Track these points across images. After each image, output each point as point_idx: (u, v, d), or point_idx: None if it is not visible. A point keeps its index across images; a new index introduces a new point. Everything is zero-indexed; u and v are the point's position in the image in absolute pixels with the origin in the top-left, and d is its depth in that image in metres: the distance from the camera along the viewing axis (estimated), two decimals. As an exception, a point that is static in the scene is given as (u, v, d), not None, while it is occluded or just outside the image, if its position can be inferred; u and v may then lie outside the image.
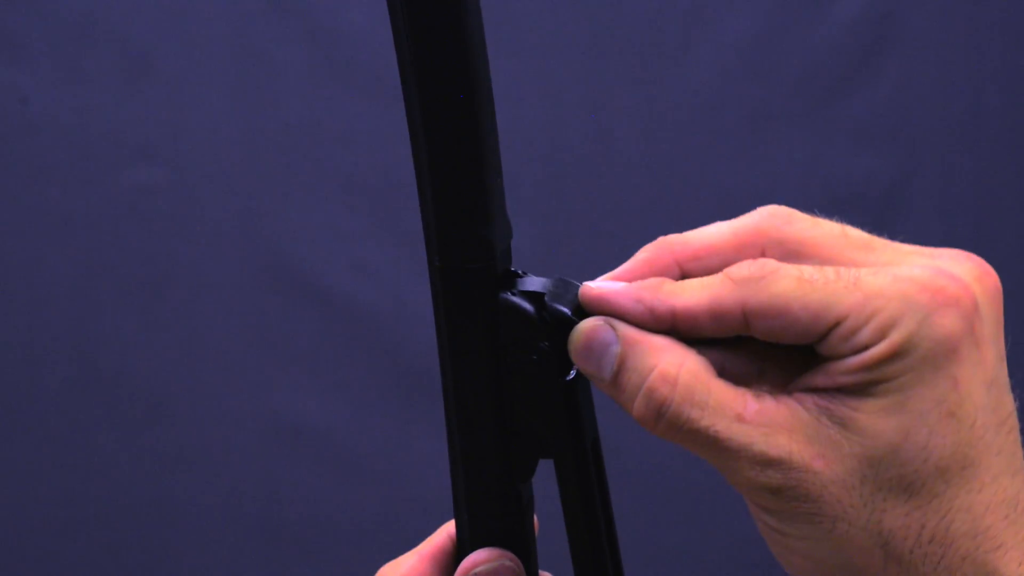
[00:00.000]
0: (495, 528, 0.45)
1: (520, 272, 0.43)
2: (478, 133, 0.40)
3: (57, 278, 1.38)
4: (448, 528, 0.48)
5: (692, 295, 0.40)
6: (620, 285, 0.41)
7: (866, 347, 0.38)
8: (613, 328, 0.40)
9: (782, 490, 0.39)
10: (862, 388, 0.38)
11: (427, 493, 1.34)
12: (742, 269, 0.39)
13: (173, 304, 1.39)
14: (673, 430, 0.40)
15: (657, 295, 0.40)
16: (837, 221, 0.41)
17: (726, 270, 0.39)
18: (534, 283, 0.42)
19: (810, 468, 0.39)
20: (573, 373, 0.43)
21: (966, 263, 0.40)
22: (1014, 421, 0.40)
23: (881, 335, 0.38)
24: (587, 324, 0.41)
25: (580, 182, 1.41)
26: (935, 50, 1.41)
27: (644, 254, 0.42)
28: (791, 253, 0.40)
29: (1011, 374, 0.41)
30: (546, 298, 0.42)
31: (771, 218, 0.41)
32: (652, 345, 0.40)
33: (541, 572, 0.48)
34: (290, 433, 1.40)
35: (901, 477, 0.39)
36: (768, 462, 0.39)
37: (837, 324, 0.38)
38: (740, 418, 0.39)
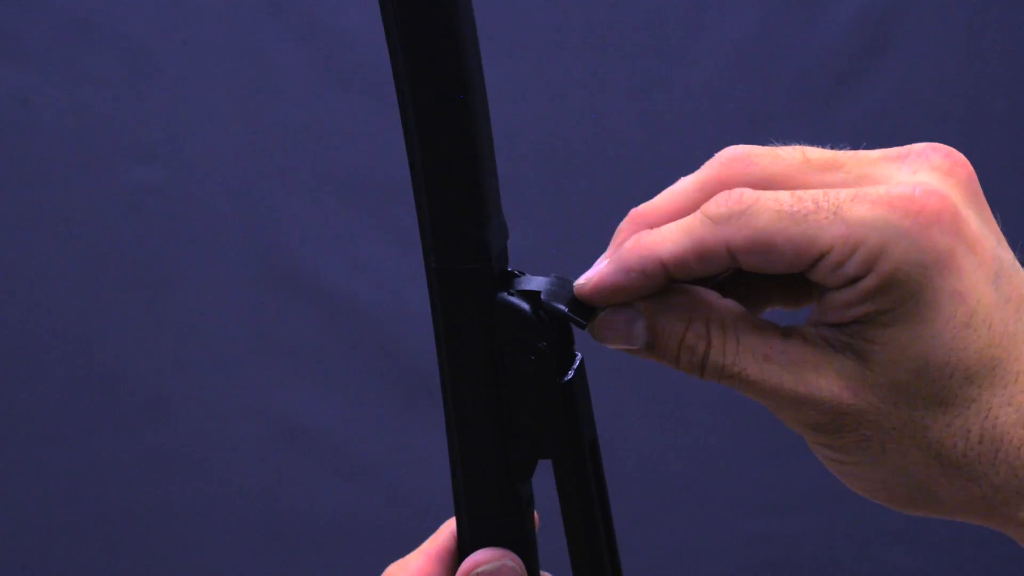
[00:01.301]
0: (495, 528, 0.45)
1: (517, 272, 0.43)
2: (472, 133, 0.40)
3: (57, 278, 1.38)
4: (450, 526, 0.48)
5: (675, 242, 0.40)
6: (603, 264, 0.41)
7: (855, 279, 0.38)
8: (631, 304, 0.41)
9: (822, 426, 0.40)
10: (871, 318, 0.39)
11: (427, 493, 1.34)
12: (720, 206, 0.39)
13: (173, 304, 1.39)
14: (717, 377, 0.41)
15: (642, 254, 0.40)
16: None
17: (703, 207, 0.39)
18: (531, 282, 0.42)
19: (841, 401, 0.39)
20: (571, 374, 0.43)
21: (936, 160, 0.40)
22: None
23: (868, 267, 0.38)
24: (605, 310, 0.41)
25: (580, 182, 1.41)
26: (935, 50, 1.41)
27: (622, 235, 0.42)
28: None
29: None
30: (542, 296, 0.42)
31: (731, 163, 0.41)
32: (675, 306, 0.41)
33: (541, 572, 0.48)
34: (290, 433, 1.40)
35: (932, 394, 0.39)
36: (800, 400, 0.40)
37: (822, 256, 0.38)
38: (768, 358, 0.40)
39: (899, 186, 0.38)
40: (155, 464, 1.39)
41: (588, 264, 0.42)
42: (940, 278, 0.38)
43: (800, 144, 0.42)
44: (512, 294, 0.42)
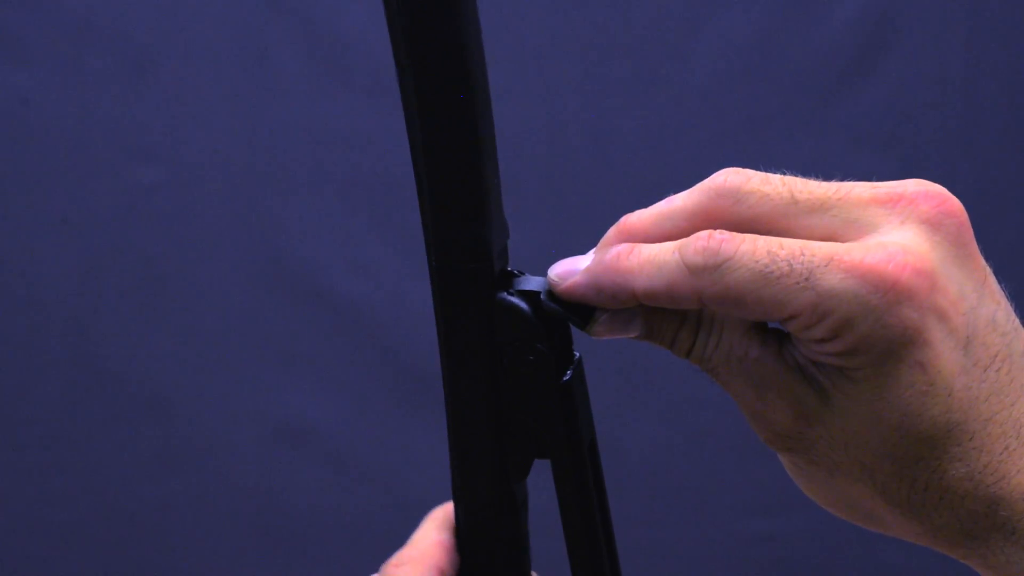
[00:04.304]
0: (489, 526, 0.45)
1: (517, 272, 0.43)
2: (475, 133, 0.40)
3: (57, 278, 1.38)
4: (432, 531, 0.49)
5: (650, 278, 0.40)
6: (580, 269, 0.42)
7: (821, 341, 0.39)
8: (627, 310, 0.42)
9: (775, 439, 0.41)
10: (837, 371, 0.40)
11: (427, 493, 1.34)
12: (697, 254, 0.39)
13: (173, 304, 1.39)
14: (699, 365, 0.42)
15: (616, 280, 0.41)
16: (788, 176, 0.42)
17: (682, 246, 0.40)
18: (530, 282, 0.42)
19: (795, 428, 0.41)
20: (570, 374, 0.43)
21: (925, 209, 0.40)
22: (1008, 351, 0.40)
23: (834, 334, 0.39)
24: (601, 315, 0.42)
25: (580, 182, 1.40)
26: (935, 50, 1.41)
27: (608, 243, 0.43)
28: (744, 230, 0.41)
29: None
30: (541, 296, 0.42)
31: (721, 198, 0.41)
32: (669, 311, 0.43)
33: (532, 573, 0.48)
34: (290, 433, 1.40)
35: (882, 449, 0.40)
36: (758, 414, 0.41)
37: (791, 318, 0.39)
38: (740, 362, 0.41)
39: (877, 251, 0.38)
40: (155, 464, 1.39)
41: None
42: (904, 350, 0.38)
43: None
44: (512, 294, 0.42)
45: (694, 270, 0.39)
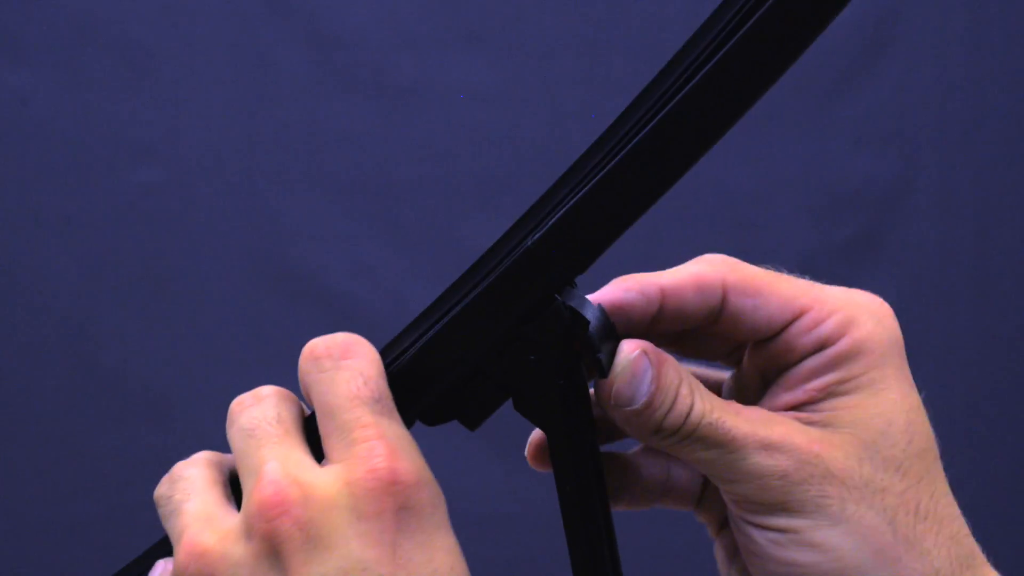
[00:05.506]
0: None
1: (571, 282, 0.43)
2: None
3: (57, 278, 1.38)
4: None
5: (676, 272, 0.43)
6: (609, 289, 0.43)
7: (826, 343, 0.41)
8: (647, 354, 0.42)
9: (789, 474, 0.41)
10: (834, 390, 0.41)
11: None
12: (717, 256, 0.43)
13: (173, 304, 1.39)
14: (692, 429, 0.41)
15: (642, 279, 0.43)
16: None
17: (702, 257, 0.44)
18: (585, 305, 0.41)
19: (811, 451, 0.41)
20: (572, 372, 0.42)
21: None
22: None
23: (842, 331, 0.41)
24: (632, 354, 0.42)
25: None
26: (935, 50, 1.41)
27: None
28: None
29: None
30: (591, 328, 0.41)
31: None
32: (669, 361, 0.43)
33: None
34: (290, 433, 1.40)
35: (893, 457, 0.41)
36: (772, 444, 0.41)
37: (802, 314, 0.42)
38: (739, 413, 0.42)
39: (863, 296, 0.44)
40: (155, 464, 1.38)
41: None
42: (898, 357, 0.42)
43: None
44: (567, 306, 0.41)
45: (717, 262, 0.44)
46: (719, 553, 0.48)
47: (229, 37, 1.38)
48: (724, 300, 0.42)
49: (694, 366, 0.46)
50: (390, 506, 0.38)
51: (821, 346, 0.42)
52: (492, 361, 0.42)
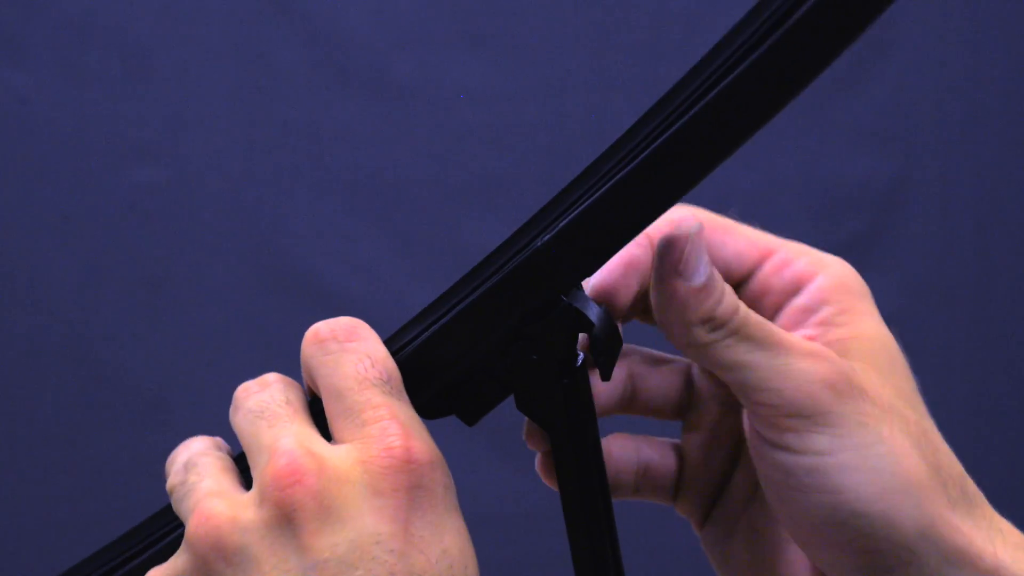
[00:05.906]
0: None
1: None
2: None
3: (57, 278, 1.38)
4: None
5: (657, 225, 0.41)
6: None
7: (802, 281, 0.42)
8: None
9: (835, 382, 0.39)
10: (834, 319, 0.41)
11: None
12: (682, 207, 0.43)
13: (173, 304, 1.39)
14: (741, 324, 0.40)
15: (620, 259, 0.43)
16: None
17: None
18: (589, 306, 0.41)
19: (848, 364, 0.40)
20: (576, 365, 0.42)
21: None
22: None
23: (815, 269, 0.42)
24: (695, 226, 0.41)
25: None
26: (935, 50, 1.41)
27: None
28: None
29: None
30: (595, 331, 0.41)
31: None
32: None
33: None
34: (290, 433, 1.40)
35: (902, 388, 0.41)
36: (815, 352, 0.40)
37: (771, 253, 0.43)
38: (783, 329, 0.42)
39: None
40: (155, 464, 1.38)
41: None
42: (871, 298, 0.42)
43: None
44: (572, 307, 0.41)
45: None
46: (707, 546, 0.48)
47: (229, 37, 1.38)
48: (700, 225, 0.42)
49: None
50: (405, 484, 0.37)
51: (797, 285, 0.41)
52: (495, 358, 0.42)
